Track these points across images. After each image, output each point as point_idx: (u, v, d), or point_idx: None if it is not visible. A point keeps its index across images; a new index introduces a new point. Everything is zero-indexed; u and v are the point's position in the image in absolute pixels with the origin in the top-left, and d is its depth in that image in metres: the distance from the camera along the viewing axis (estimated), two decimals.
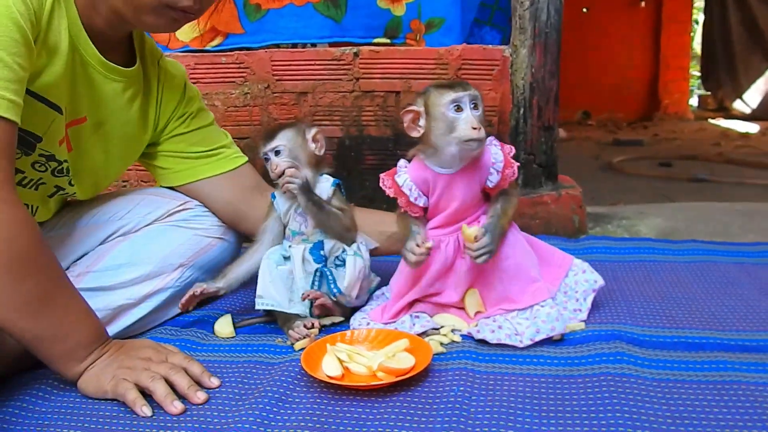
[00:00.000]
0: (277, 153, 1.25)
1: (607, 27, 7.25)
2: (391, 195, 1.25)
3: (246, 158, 1.46)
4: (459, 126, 1.16)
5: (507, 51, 1.79)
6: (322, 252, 1.28)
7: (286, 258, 1.29)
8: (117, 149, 1.30)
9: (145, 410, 0.98)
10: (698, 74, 8.18)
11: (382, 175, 1.26)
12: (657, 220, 1.87)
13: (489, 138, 1.24)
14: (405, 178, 1.23)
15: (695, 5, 7.87)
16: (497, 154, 1.24)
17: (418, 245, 1.19)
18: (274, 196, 1.32)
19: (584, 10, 7.09)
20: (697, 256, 1.62)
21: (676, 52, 7.41)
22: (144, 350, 1.08)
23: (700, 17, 8.26)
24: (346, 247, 1.29)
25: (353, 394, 1.03)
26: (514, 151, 1.26)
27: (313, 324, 1.25)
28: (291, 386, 1.06)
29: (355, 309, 1.32)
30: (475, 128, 1.15)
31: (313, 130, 1.28)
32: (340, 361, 1.08)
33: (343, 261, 1.28)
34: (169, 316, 1.34)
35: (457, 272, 1.24)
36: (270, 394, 1.02)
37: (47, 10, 1.05)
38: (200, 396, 1.02)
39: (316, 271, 1.27)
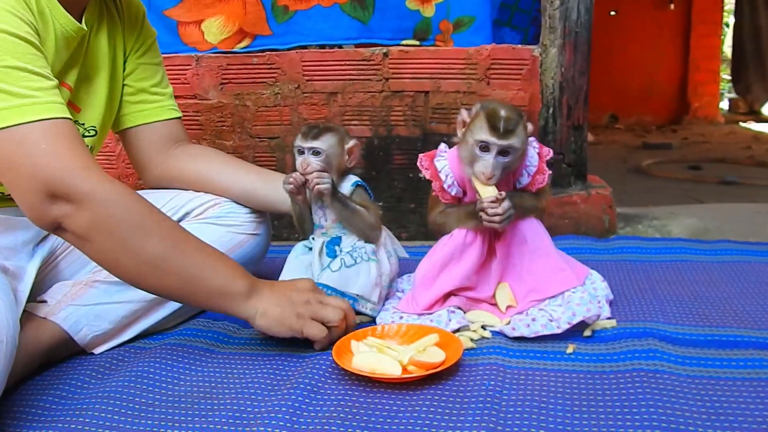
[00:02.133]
0: (315, 153, 1.26)
1: (635, 29, 7.16)
2: (427, 177, 1.26)
3: (180, 114, 1.47)
4: (478, 164, 1.17)
5: (536, 50, 1.79)
6: (337, 247, 1.30)
7: (310, 249, 1.33)
8: (108, 86, 1.33)
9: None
10: (728, 78, 8.05)
11: (420, 156, 1.27)
12: (688, 221, 1.84)
13: (529, 139, 1.24)
14: (444, 164, 1.24)
15: (725, 8, 7.75)
16: (533, 157, 1.24)
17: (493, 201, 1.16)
18: None
19: (612, 12, 7.02)
20: (730, 256, 1.60)
21: (706, 55, 7.28)
22: (305, 293, 1.16)
23: (730, 20, 8.13)
24: (365, 249, 1.29)
25: (384, 387, 1.03)
26: (551, 154, 1.26)
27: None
28: (322, 379, 1.07)
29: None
30: (488, 177, 1.15)
31: (352, 143, 1.29)
32: (380, 349, 1.09)
33: (355, 261, 1.28)
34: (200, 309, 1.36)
35: (489, 267, 1.24)
36: (302, 386, 1.04)
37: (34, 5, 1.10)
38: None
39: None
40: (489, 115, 1.15)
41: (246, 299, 1.12)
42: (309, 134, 1.26)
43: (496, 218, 1.16)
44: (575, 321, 1.16)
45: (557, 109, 1.80)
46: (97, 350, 1.21)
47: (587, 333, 1.19)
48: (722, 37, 7.65)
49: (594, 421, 0.91)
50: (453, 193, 1.26)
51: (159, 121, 1.42)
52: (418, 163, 1.28)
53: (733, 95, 8.03)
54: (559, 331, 1.16)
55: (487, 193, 1.17)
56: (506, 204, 1.16)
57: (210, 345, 1.23)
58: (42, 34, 1.11)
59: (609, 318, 1.24)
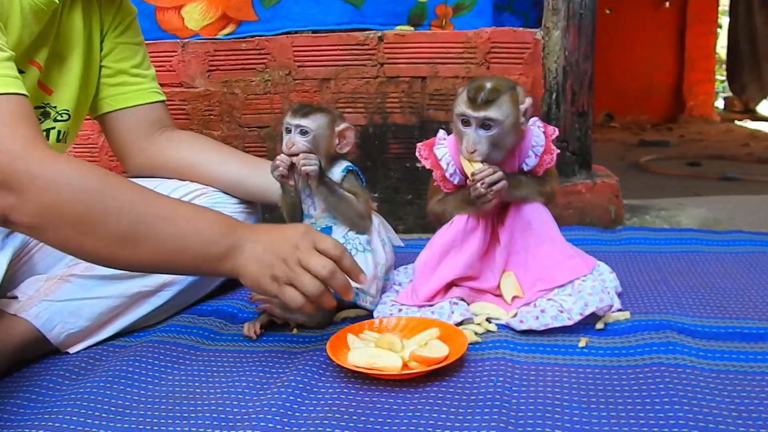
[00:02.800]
0: (302, 133, 1.18)
1: (630, 28, 7.12)
2: (427, 167, 1.19)
3: (164, 98, 1.39)
4: (462, 140, 1.11)
5: (539, 33, 1.71)
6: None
7: None
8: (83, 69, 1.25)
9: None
10: (722, 79, 8.03)
11: (419, 145, 1.20)
12: (698, 211, 1.77)
13: (533, 119, 1.18)
14: (444, 152, 1.17)
15: (720, 8, 7.73)
16: (539, 137, 1.17)
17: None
18: None
19: (607, 11, 6.97)
20: (744, 246, 1.52)
21: (702, 54, 7.26)
22: (288, 246, 0.96)
23: (723, 21, 8.12)
24: (358, 239, 1.20)
25: (383, 385, 0.95)
26: (557, 133, 1.19)
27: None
28: (316, 376, 0.99)
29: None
30: (470, 152, 1.09)
31: (343, 125, 1.20)
32: (378, 344, 1.01)
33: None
34: (187, 303, 1.28)
35: (492, 255, 1.16)
36: (293, 384, 0.95)
37: None
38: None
39: None
40: (469, 88, 1.10)
41: (225, 261, 0.97)
42: (298, 112, 1.18)
43: (484, 184, 1.08)
44: (588, 312, 1.08)
45: (560, 94, 1.73)
46: (72, 349, 1.13)
47: (600, 325, 1.11)
48: (717, 36, 7.63)
49: (614, 420, 0.83)
50: (456, 182, 1.18)
51: (140, 104, 1.34)
52: (417, 153, 1.21)
53: (728, 94, 8.02)
54: (570, 323, 1.08)
55: (476, 166, 1.10)
56: (491, 170, 1.09)
57: (195, 342, 1.14)
58: (5, 5, 1.02)
59: (621, 310, 1.16)
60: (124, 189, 0.96)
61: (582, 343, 1.05)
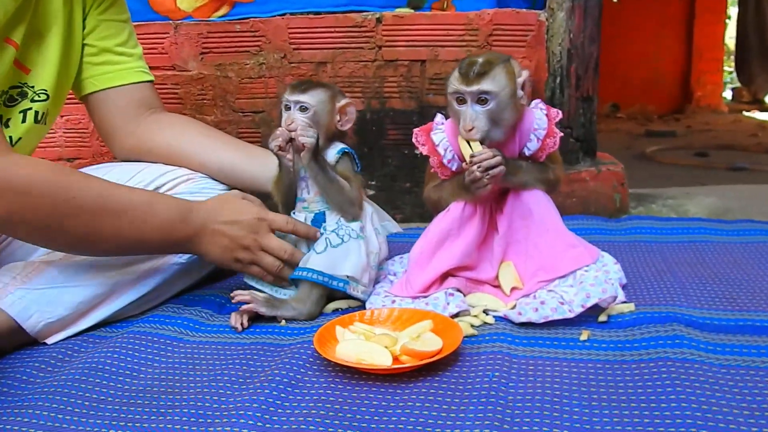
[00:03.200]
0: (302, 109, 1.12)
1: (638, 17, 7.04)
2: (424, 153, 1.13)
3: (152, 77, 1.34)
4: (461, 119, 1.05)
5: (543, 15, 1.65)
6: (324, 225, 1.16)
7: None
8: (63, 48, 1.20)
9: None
10: (730, 70, 7.94)
11: (416, 131, 1.15)
12: (707, 200, 1.71)
13: (535, 101, 1.13)
14: (442, 137, 1.12)
15: None
16: (541, 119, 1.11)
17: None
18: None
19: (614, 0, 6.88)
20: (755, 236, 1.46)
21: (710, 44, 7.17)
22: (246, 232, 1.11)
23: (733, 12, 8.01)
24: (351, 227, 1.15)
25: (372, 380, 0.90)
26: (560, 115, 1.13)
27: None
28: (302, 370, 0.93)
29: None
30: (468, 129, 1.03)
31: (344, 101, 1.16)
32: (368, 336, 0.96)
33: (342, 240, 1.13)
34: (172, 293, 1.22)
35: (490, 244, 1.11)
36: (278, 379, 0.90)
37: None
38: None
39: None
40: (461, 64, 1.06)
41: (186, 246, 1.12)
42: (297, 88, 1.13)
43: (480, 167, 1.03)
44: (590, 304, 1.02)
45: (565, 78, 1.66)
46: (51, 340, 1.08)
47: (602, 318, 1.05)
48: (725, 26, 7.53)
49: (617, 418, 0.78)
50: (453, 169, 1.13)
51: (126, 84, 1.28)
52: (414, 139, 1.16)
53: (736, 85, 7.93)
54: (571, 315, 1.02)
55: (475, 149, 1.05)
56: (490, 153, 1.04)
57: (178, 333, 1.09)
58: None
59: (625, 302, 1.11)
60: (79, 187, 1.02)
61: (584, 337, 0.99)
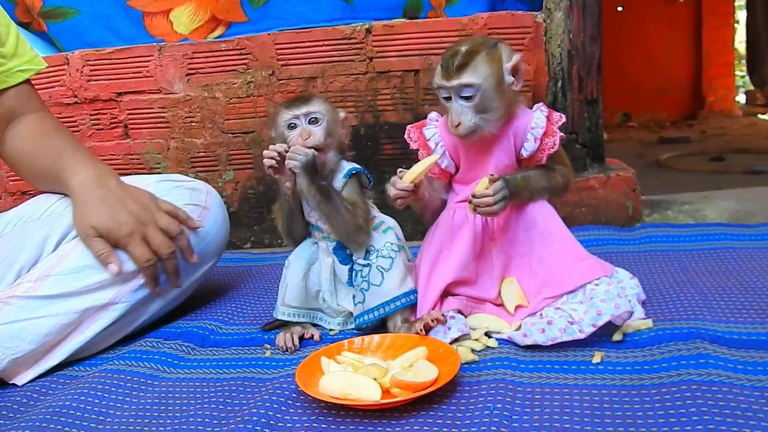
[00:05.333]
0: (312, 121, 1.04)
1: (644, 25, 6.97)
2: (413, 147, 1.06)
3: (26, 77, 1.19)
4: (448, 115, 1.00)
5: (539, 16, 1.57)
6: (348, 251, 1.07)
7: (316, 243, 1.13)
8: None
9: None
10: (742, 74, 7.82)
11: (409, 127, 1.09)
12: (726, 204, 1.60)
13: (537, 104, 1.04)
14: (434, 131, 1.05)
15: (736, 2, 7.53)
16: (539, 119, 1.03)
17: (400, 179, 0.99)
18: None
19: (619, 8, 6.82)
20: None
21: (720, 47, 7.08)
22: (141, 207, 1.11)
23: (741, 16, 7.91)
24: (388, 241, 1.06)
25: (360, 416, 0.81)
26: (563, 119, 1.04)
27: (312, 335, 1.06)
28: (283, 408, 0.84)
29: None
30: (455, 125, 0.97)
31: (343, 113, 1.09)
32: (356, 368, 0.86)
33: (392, 258, 1.04)
34: (146, 316, 1.15)
35: (488, 255, 1.02)
36: (255, 418, 0.81)
37: None
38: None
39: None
40: (444, 56, 0.99)
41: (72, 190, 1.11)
42: (298, 101, 1.05)
43: (485, 201, 0.96)
44: (601, 322, 0.92)
45: (567, 81, 1.57)
46: (20, 380, 1.00)
47: (617, 337, 0.95)
48: (734, 30, 7.42)
49: None
50: (443, 166, 1.04)
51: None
52: (406, 135, 1.10)
53: (749, 88, 7.81)
54: (582, 336, 0.92)
55: (480, 187, 0.98)
56: (497, 185, 0.96)
57: (154, 370, 1.01)
58: None
59: (642, 318, 1.00)
60: None
61: (596, 359, 0.89)
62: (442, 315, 0.97)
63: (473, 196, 0.97)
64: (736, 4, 7.49)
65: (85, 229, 1.08)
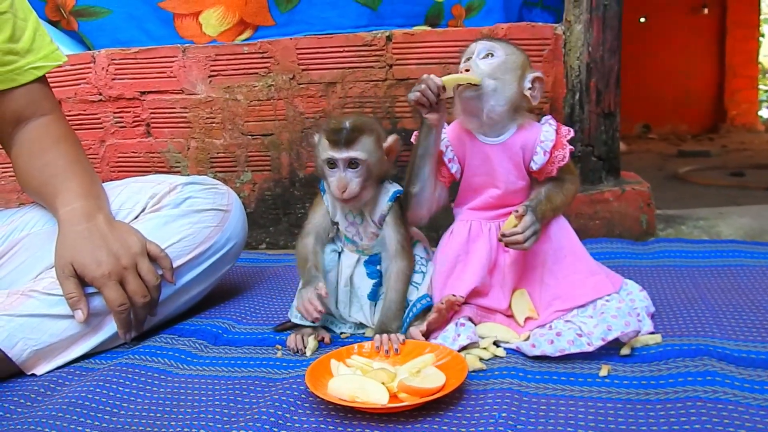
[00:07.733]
0: (352, 165, 1.00)
1: (666, 36, 6.91)
2: None
3: (32, 77, 1.15)
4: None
5: (559, 28, 1.57)
6: (378, 267, 1.09)
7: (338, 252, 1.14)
8: None
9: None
10: (765, 88, 7.72)
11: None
12: (741, 220, 1.59)
13: (545, 117, 1.06)
14: (443, 136, 1.06)
15: (762, 16, 7.44)
16: (548, 132, 1.04)
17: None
18: (323, 188, 1.10)
19: (641, 19, 6.78)
20: None
21: (743, 60, 6.99)
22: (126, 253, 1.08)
23: (766, 29, 7.81)
24: (417, 254, 1.10)
25: (367, 419, 0.82)
26: (572, 134, 1.05)
27: (323, 338, 1.08)
28: (292, 408, 0.86)
29: None
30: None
31: (391, 139, 1.06)
32: (365, 371, 0.88)
33: (423, 273, 1.09)
34: (161, 316, 1.17)
35: (501, 267, 1.03)
36: (265, 417, 0.83)
37: None
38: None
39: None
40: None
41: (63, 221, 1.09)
42: (341, 140, 0.99)
43: (515, 240, 0.98)
44: (611, 337, 0.93)
45: (584, 94, 1.58)
46: (39, 370, 1.03)
47: (625, 351, 0.95)
48: (759, 44, 7.33)
49: None
50: (453, 171, 1.06)
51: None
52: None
53: None
54: (590, 349, 0.93)
55: (508, 225, 1.00)
56: (527, 221, 0.98)
57: (167, 366, 1.03)
58: None
59: (652, 333, 1.01)
60: None
61: (603, 372, 0.90)
62: (459, 297, 1.00)
63: (503, 235, 0.98)
64: (761, 17, 7.41)
65: (63, 265, 1.04)
